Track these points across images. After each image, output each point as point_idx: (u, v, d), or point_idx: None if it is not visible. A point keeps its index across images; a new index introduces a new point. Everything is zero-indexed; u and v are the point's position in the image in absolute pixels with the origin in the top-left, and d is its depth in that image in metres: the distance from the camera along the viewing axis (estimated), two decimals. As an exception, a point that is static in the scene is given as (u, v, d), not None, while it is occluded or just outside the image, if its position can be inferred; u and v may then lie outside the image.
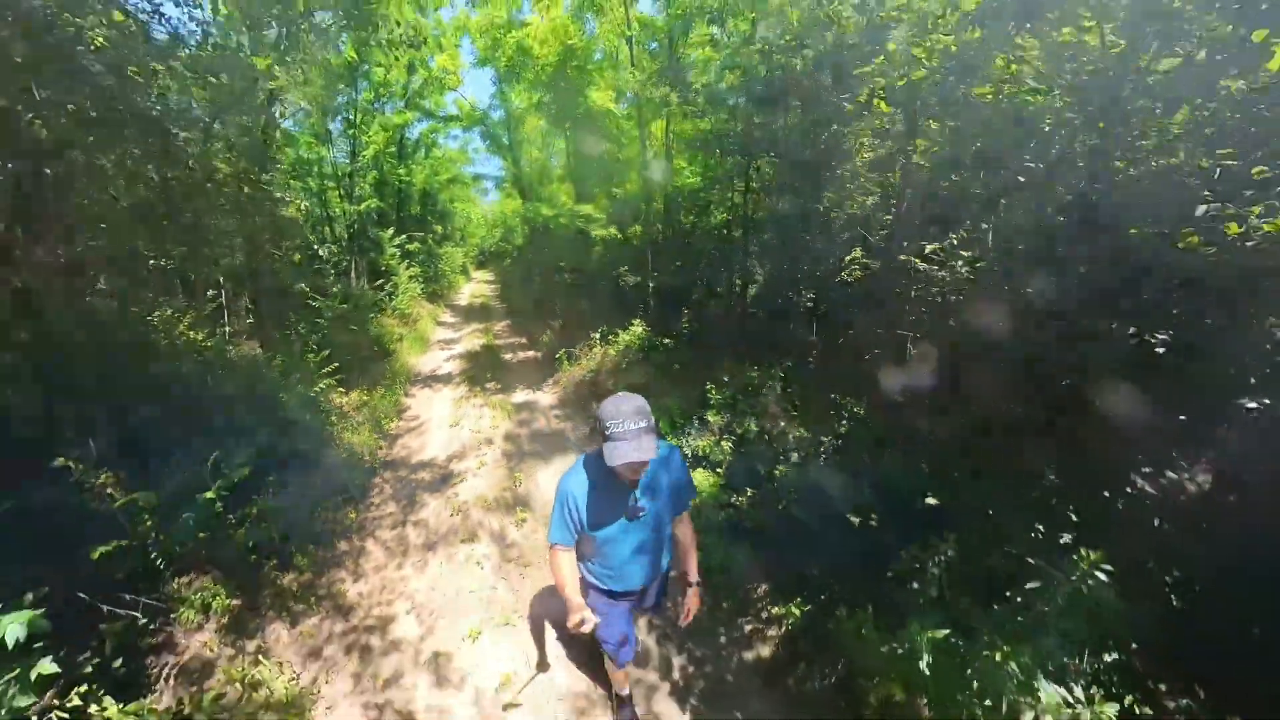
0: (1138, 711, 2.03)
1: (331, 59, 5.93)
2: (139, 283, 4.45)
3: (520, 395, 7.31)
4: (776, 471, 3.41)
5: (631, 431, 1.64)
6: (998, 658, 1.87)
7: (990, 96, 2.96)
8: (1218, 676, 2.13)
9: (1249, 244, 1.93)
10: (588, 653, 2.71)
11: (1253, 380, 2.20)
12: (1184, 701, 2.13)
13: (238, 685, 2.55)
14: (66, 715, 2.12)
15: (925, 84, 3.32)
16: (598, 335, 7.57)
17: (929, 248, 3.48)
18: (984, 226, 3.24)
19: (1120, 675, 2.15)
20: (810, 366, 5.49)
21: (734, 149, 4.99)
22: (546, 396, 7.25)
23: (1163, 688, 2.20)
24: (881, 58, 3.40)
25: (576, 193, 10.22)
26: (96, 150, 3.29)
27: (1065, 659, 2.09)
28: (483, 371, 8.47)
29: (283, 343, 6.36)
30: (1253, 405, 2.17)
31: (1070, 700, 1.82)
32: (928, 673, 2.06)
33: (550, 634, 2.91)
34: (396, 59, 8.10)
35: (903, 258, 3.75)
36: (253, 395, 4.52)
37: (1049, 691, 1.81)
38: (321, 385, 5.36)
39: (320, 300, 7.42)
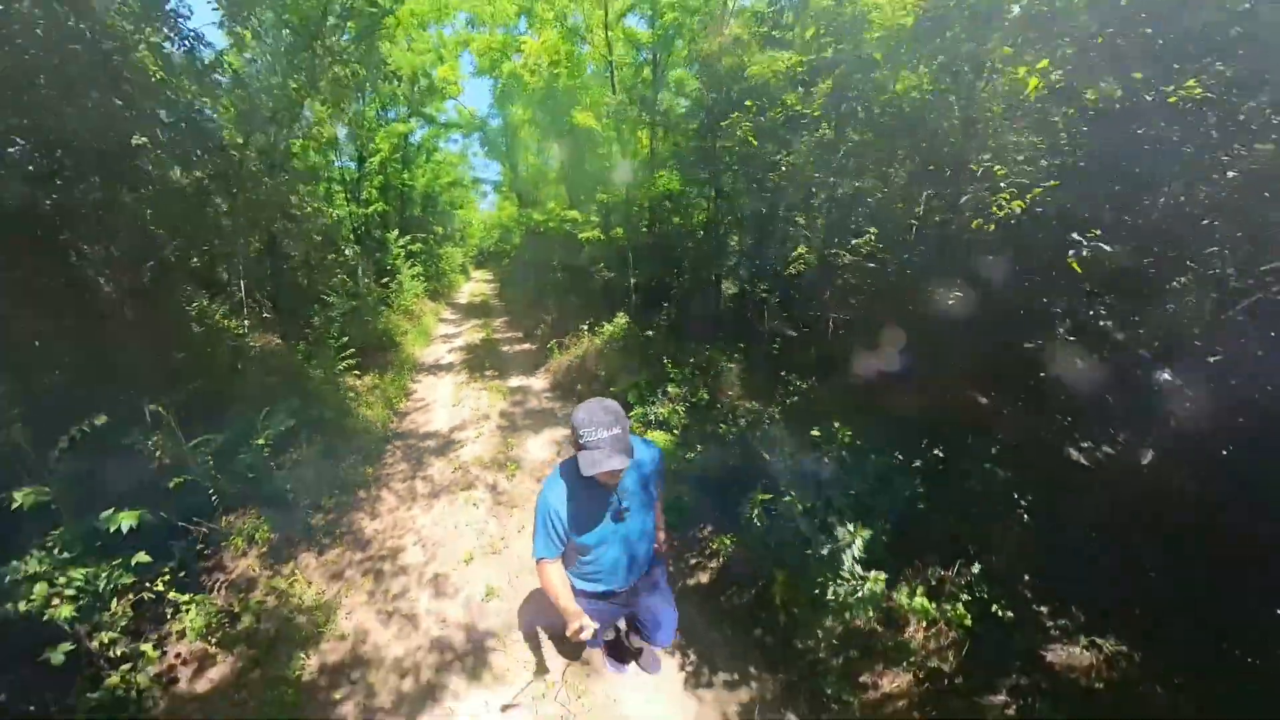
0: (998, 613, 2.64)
1: (344, 77, 6.60)
2: (186, 279, 5.17)
3: (515, 380, 8.02)
4: (720, 430, 4.11)
5: (605, 440, 1.63)
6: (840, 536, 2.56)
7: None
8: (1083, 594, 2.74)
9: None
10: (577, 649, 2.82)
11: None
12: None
13: (275, 596, 3.25)
14: (153, 595, 2.84)
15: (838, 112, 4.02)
16: (586, 327, 8.27)
17: (855, 243, 4.18)
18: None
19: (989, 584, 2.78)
20: (770, 350, 6.19)
21: (697, 162, 5.69)
22: (539, 381, 7.96)
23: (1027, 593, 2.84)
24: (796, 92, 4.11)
25: (570, 196, 10.92)
26: (176, 165, 4.00)
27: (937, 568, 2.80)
28: (481, 361, 9.19)
29: (302, 332, 7.07)
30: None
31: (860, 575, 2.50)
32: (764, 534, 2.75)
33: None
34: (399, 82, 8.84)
35: (830, 252, 4.45)
36: (281, 374, 5.24)
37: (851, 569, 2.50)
38: (340, 367, 6.08)
39: (334, 295, 8.12)
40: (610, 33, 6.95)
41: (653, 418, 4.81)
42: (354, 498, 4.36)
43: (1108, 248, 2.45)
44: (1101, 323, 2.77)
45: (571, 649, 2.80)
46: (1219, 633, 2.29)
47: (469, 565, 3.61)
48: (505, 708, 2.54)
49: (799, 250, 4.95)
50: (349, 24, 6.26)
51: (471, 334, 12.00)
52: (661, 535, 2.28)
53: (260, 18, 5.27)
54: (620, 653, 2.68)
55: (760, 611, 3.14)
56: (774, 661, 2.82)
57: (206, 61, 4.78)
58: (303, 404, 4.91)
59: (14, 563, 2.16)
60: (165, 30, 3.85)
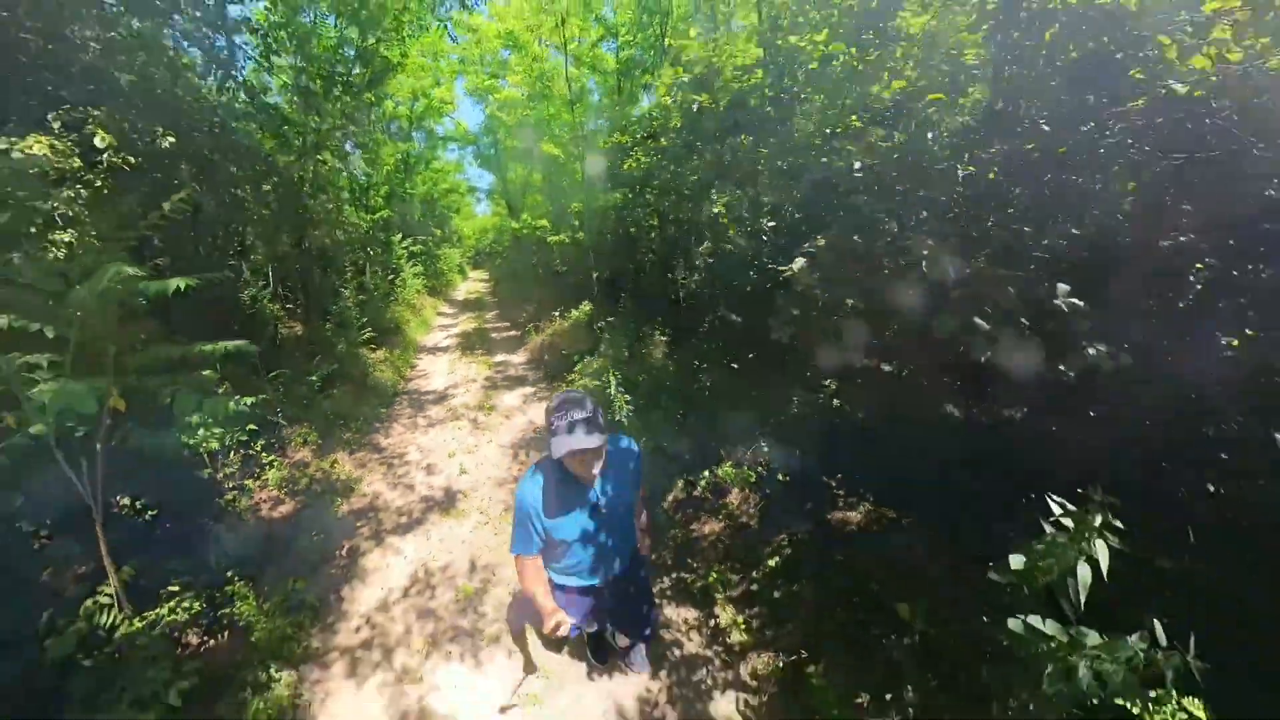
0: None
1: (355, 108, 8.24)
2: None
3: (499, 357, 9.72)
4: (635, 376, 5.78)
5: (572, 422, 1.64)
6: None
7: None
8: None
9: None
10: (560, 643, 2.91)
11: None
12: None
13: (321, 472, 4.90)
14: (252, 454, 4.49)
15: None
16: (557, 314, 9.97)
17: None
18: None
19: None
20: (698, 334, 7.86)
21: (636, 181, 7.35)
22: (518, 358, 9.65)
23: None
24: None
25: (549, 204, 12.63)
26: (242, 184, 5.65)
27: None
28: (473, 344, 10.88)
29: (324, 317, 8.75)
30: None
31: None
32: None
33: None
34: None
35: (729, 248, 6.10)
36: (317, 345, 6.92)
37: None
38: (361, 339, 7.76)
39: (348, 288, 9.81)
40: (571, 72, 8.66)
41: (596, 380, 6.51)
42: (373, 425, 6.05)
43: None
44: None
45: (555, 644, 2.86)
46: (959, 502, 2.98)
47: (451, 458, 5.29)
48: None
49: (705, 246, 6.59)
50: (364, 70, 7.93)
51: (466, 324, 13.71)
52: (646, 537, 2.30)
53: (290, 66, 6.92)
54: (601, 649, 2.69)
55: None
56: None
57: (260, 105, 6.47)
58: (337, 365, 6.59)
59: (192, 418, 3.82)
60: (244, 97, 5.51)
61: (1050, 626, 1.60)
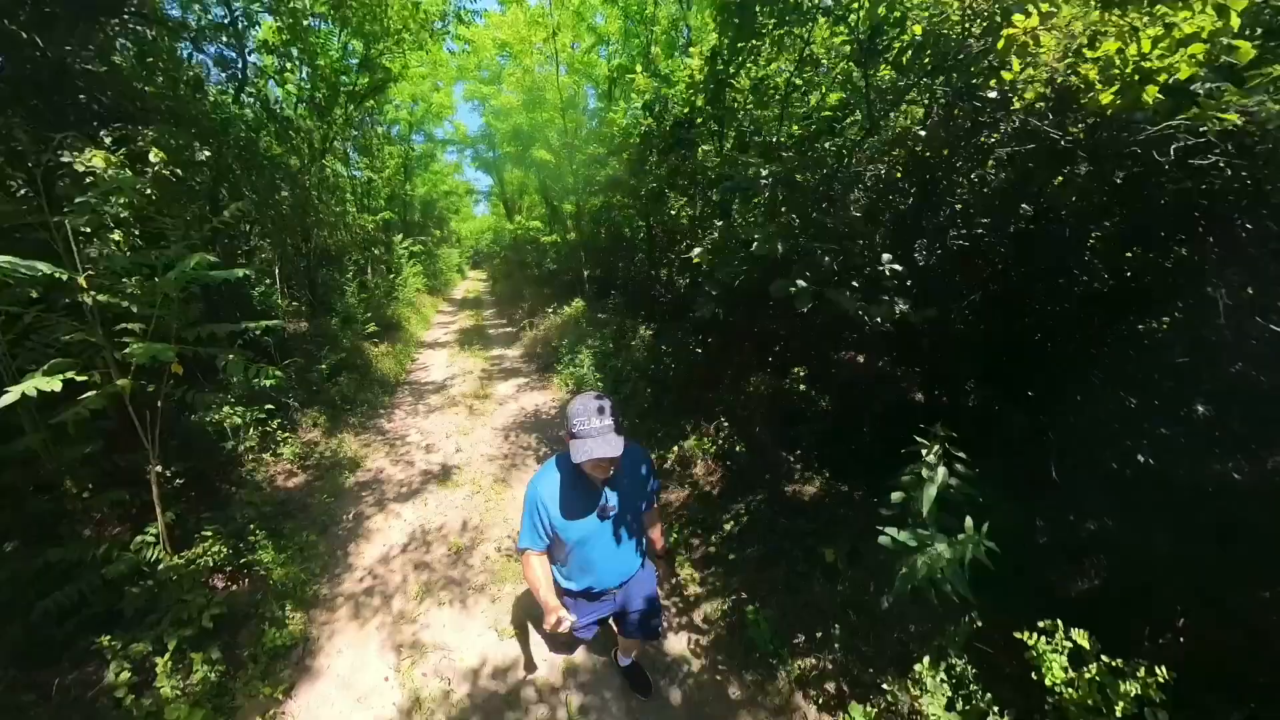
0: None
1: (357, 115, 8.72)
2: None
3: (495, 351, 10.19)
4: (615, 364, 6.23)
5: (596, 429, 1.64)
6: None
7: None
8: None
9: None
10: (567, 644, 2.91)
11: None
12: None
13: (330, 450, 5.37)
14: (269, 431, 4.93)
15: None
16: (551, 310, 10.43)
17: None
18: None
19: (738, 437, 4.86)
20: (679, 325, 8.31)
21: (612, 187, 7.83)
22: (513, 351, 10.12)
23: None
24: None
25: (545, 205, 13.09)
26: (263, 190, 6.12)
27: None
28: (471, 339, 11.36)
29: (329, 312, 9.22)
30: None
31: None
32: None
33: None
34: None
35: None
36: (324, 339, 7.39)
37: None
38: (365, 333, 8.23)
39: (351, 286, 10.28)
40: (561, 82, 9.13)
41: (576, 362, 6.97)
42: (377, 411, 6.52)
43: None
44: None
45: (560, 645, 2.86)
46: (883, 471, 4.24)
47: (448, 439, 5.76)
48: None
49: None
50: (366, 80, 8.41)
51: (464, 321, 14.19)
52: (658, 540, 2.30)
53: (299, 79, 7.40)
54: (641, 680, 2.69)
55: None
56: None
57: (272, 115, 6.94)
58: (343, 356, 7.06)
59: (216, 398, 4.28)
60: (259, 110, 5.99)
61: (904, 535, 2.06)
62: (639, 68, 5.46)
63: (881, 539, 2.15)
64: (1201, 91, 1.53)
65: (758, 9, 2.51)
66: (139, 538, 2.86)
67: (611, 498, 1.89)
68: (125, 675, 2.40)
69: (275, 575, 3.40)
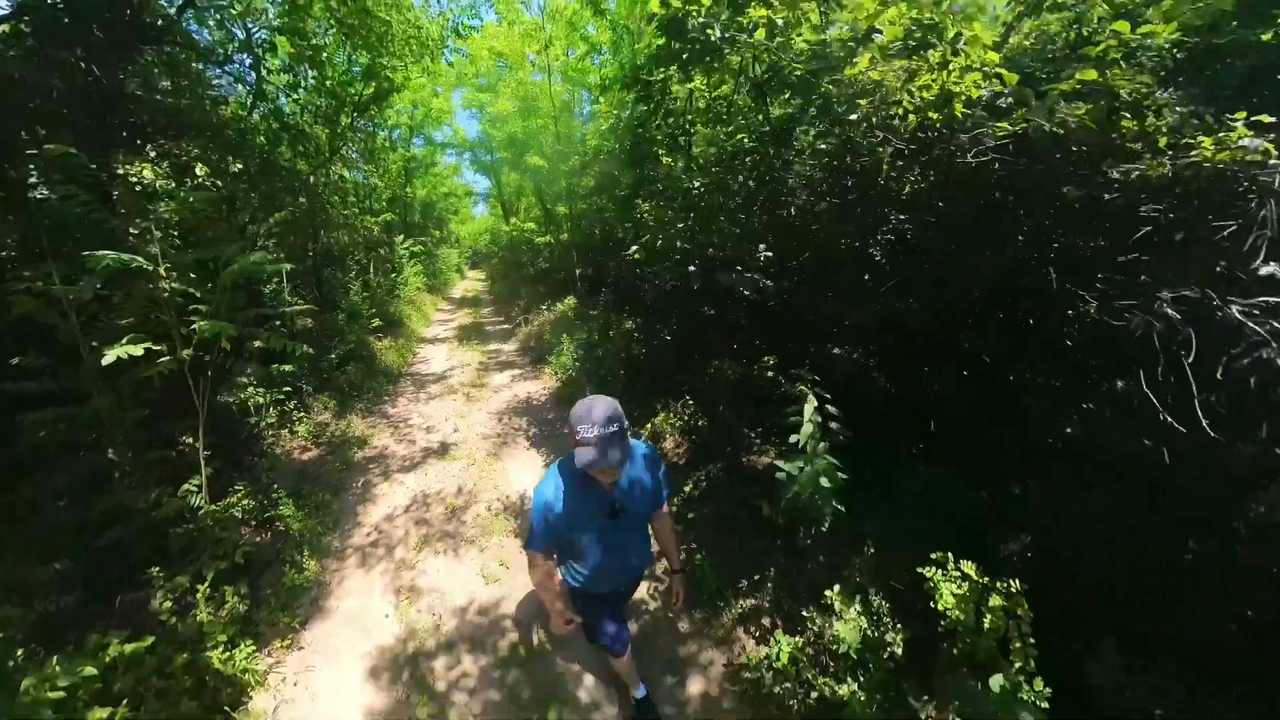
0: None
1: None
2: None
3: (492, 346, 10.74)
4: (599, 353, 6.78)
5: (601, 437, 1.61)
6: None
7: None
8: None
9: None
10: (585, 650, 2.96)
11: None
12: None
13: (339, 430, 5.92)
14: (285, 408, 5.48)
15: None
16: (545, 307, 10.97)
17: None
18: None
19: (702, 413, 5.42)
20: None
21: (592, 192, 8.37)
22: (509, 346, 10.67)
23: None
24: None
25: (541, 206, 13.64)
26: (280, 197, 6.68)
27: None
28: (469, 335, 11.91)
29: (335, 308, 9.78)
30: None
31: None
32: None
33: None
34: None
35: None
36: (332, 331, 7.94)
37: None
38: (370, 327, 8.78)
39: (354, 284, 10.84)
40: (554, 90, 9.68)
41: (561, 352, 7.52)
42: (381, 398, 7.07)
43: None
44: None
45: (579, 649, 2.91)
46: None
47: (447, 421, 6.31)
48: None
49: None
50: (370, 89, 8.96)
51: (463, 319, 14.74)
52: (673, 553, 2.25)
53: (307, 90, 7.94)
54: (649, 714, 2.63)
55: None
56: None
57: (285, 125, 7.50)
58: (350, 347, 7.61)
59: (241, 379, 4.83)
60: (275, 123, 6.54)
61: (789, 464, 2.59)
62: (616, 88, 5.96)
63: (779, 474, 2.69)
64: (1003, 106, 2.07)
65: (676, 45, 3.03)
66: (184, 487, 3.40)
67: (621, 498, 1.86)
68: (168, 603, 2.93)
69: (294, 528, 3.94)
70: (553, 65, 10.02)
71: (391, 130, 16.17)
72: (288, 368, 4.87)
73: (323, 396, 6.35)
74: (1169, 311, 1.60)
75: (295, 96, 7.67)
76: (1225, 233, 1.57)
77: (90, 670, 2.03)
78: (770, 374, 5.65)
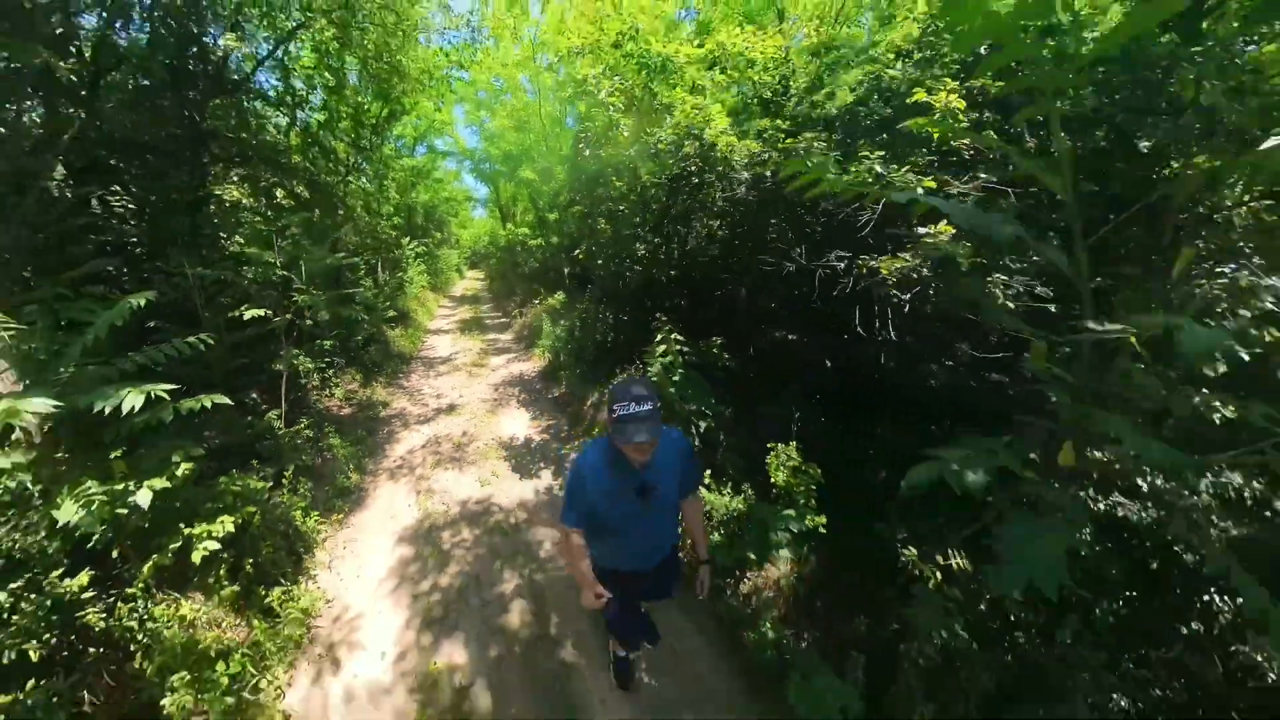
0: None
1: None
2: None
3: (491, 336, 12.17)
4: (576, 334, 8.18)
5: (638, 413, 1.69)
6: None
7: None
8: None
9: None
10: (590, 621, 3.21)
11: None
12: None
13: (366, 395, 7.31)
14: (326, 375, 6.90)
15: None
16: (538, 302, 12.37)
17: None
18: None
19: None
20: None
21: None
22: (506, 336, 12.09)
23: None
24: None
25: (535, 212, 15.03)
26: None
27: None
28: (470, 327, 13.32)
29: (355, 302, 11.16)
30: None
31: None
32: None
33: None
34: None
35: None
36: (352, 319, 9.33)
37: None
38: (385, 318, 10.17)
39: (364, 282, 12.26)
40: (544, 111, 11.10)
41: (544, 333, 8.92)
42: (397, 376, 8.48)
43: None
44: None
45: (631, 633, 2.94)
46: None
47: (453, 389, 7.72)
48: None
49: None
50: (386, 110, 10.37)
51: (464, 313, 16.15)
52: (701, 542, 2.31)
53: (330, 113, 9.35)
54: (625, 672, 2.79)
55: (556, 388, 7.18)
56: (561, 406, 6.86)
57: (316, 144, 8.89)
58: (371, 333, 9.01)
59: (294, 350, 6.21)
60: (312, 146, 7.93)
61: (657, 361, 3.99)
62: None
63: (649, 370, 4.08)
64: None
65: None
66: (269, 414, 4.79)
67: (651, 480, 1.91)
68: (263, 484, 4.30)
69: (340, 453, 5.32)
70: (544, 88, 11.44)
71: (397, 140, 17.60)
72: (327, 343, 6.25)
73: (350, 370, 7.74)
74: (835, 264, 3.02)
75: (321, 119, 9.07)
76: (864, 219, 2.97)
77: (235, 487, 3.40)
78: (715, 350, 7.05)
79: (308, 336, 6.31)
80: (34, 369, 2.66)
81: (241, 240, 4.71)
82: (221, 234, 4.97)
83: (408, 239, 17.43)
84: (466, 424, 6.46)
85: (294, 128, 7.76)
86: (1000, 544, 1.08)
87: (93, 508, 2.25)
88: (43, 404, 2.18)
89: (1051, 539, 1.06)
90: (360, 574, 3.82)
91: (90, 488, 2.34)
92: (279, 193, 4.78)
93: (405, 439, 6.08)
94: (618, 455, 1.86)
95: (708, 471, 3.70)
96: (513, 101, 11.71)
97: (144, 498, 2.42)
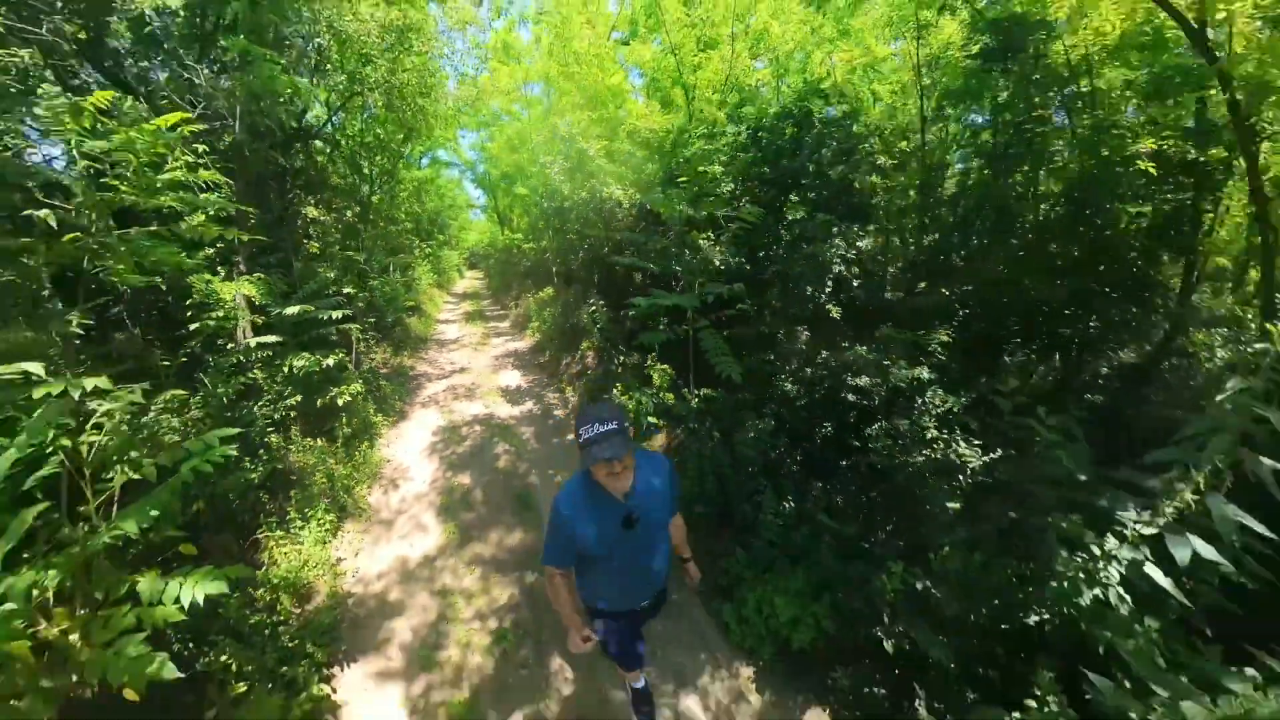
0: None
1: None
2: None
3: (491, 324, 14.47)
4: (558, 318, 10.43)
5: (602, 433, 1.69)
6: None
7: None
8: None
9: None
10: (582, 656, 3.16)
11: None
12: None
13: (396, 362, 9.57)
14: (369, 343, 9.19)
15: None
16: (530, 296, 14.67)
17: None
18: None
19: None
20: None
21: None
22: (504, 324, 14.41)
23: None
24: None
25: (531, 217, 17.28)
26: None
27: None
28: (473, 318, 15.61)
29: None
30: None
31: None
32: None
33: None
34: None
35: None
36: (378, 307, 11.59)
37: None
38: (405, 306, 12.43)
39: (377, 281, 14.51)
40: (534, 134, 13.42)
41: (533, 318, 11.20)
42: (417, 351, 10.76)
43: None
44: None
45: (578, 655, 2.98)
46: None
47: (464, 359, 10.01)
48: None
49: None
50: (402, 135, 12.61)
51: (466, 308, 18.42)
52: (684, 549, 2.33)
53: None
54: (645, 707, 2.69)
55: (542, 356, 9.45)
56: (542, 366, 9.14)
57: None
58: (393, 318, 11.28)
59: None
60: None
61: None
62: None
63: (633, 310, 6.34)
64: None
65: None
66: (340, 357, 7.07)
67: (635, 507, 1.87)
68: (345, 399, 6.55)
69: (387, 391, 7.59)
70: (534, 115, 13.72)
71: (407, 155, 19.88)
72: (369, 321, 8.46)
73: (383, 345, 10.02)
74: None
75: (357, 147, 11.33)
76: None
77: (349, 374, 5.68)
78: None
79: (361, 313, 8.58)
80: (278, 302, 5.16)
81: (316, 247, 7.00)
82: (304, 239, 7.25)
83: (418, 240, 19.70)
84: (474, 379, 8.76)
85: (338, 153, 10.03)
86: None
87: (305, 364, 4.68)
88: (292, 310, 4.66)
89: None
90: (407, 449, 6.13)
91: (303, 356, 4.83)
92: (349, 214, 7.04)
93: (430, 388, 8.38)
94: (596, 487, 1.84)
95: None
96: (507, 126, 13.99)
97: (332, 360, 4.82)
